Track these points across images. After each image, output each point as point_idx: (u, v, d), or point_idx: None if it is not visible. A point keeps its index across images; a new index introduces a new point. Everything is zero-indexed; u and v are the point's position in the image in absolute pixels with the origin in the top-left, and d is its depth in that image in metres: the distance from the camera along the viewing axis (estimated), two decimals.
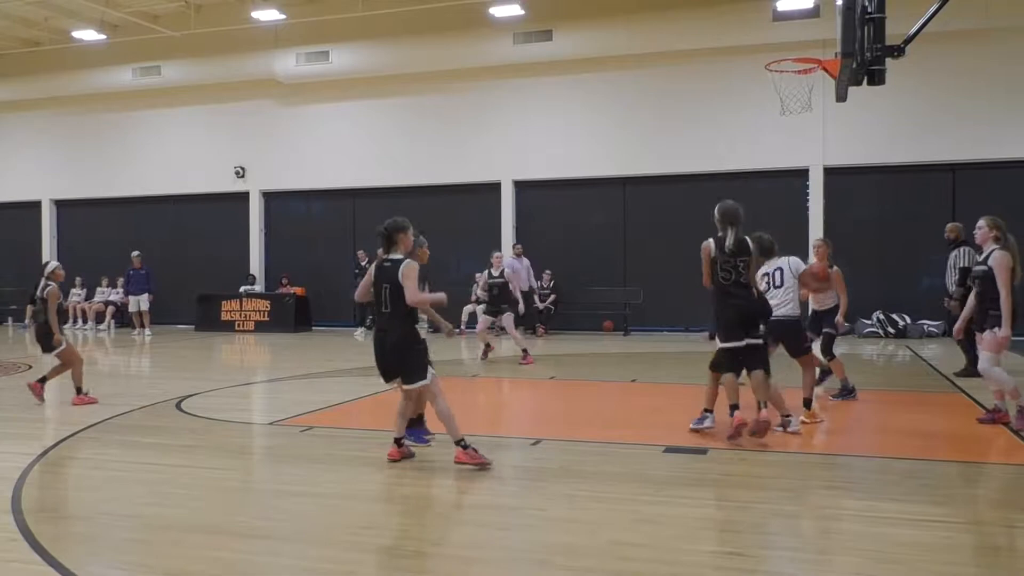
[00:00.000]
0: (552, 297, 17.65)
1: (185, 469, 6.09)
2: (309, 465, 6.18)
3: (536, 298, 17.31)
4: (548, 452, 6.59)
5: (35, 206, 22.47)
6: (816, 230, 15.87)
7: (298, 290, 19.40)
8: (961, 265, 10.27)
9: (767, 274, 7.26)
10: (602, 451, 6.54)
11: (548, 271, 17.85)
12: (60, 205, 22.57)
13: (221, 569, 4.07)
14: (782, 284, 7.26)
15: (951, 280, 10.55)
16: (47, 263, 9.36)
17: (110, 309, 20.33)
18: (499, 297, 12.66)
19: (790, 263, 7.34)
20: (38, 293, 8.98)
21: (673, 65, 17.19)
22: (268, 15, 16.96)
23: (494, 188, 18.56)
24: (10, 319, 22.13)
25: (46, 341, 8.90)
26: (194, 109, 20.79)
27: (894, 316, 15.95)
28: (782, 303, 7.17)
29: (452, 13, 17.61)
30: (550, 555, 4.24)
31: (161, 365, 13.16)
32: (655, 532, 4.53)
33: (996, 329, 6.85)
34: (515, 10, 16.75)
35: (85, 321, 20.63)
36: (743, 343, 6.59)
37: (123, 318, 20.50)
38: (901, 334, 15.68)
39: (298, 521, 4.88)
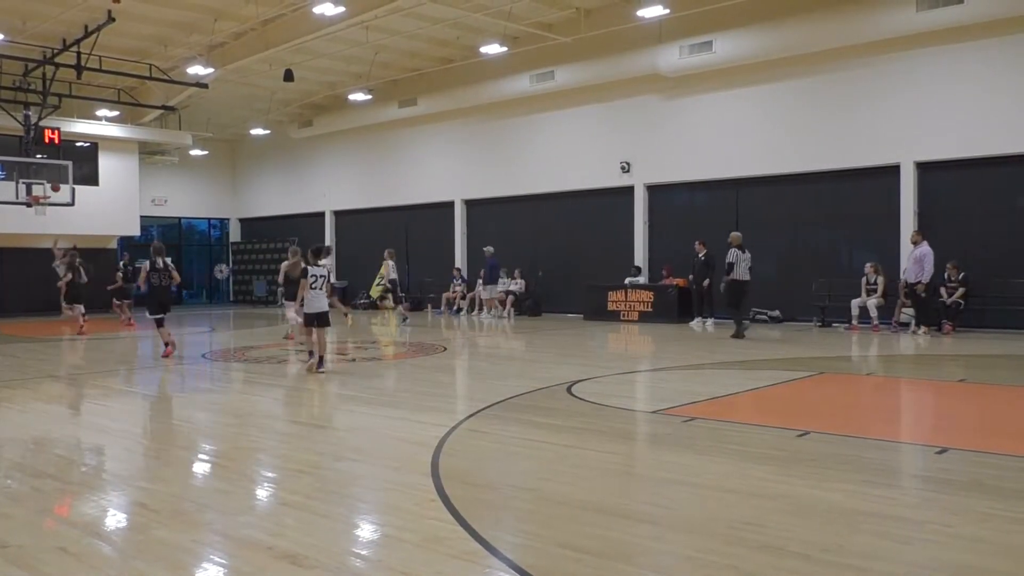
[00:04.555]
0: (961, 291, 15.79)
1: (575, 450, 6.45)
2: (691, 455, 6.21)
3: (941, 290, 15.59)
4: (956, 463, 5.91)
5: (448, 206, 25.36)
6: None
7: (680, 281, 19.55)
8: None
9: None
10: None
11: (949, 262, 15.86)
12: (469, 204, 25.19)
13: (607, 547, 4.24)
14: None
15: None
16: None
17: (510, 298, 22.22)
18: None
19: None
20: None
21: None
22: (652, 11, 17.27)
23: (891, 171, 17.07)
24: (429, 305, 25.23)
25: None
26: (582, 109, 21.95)
27: None
28: None
29: None
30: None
31: (553, 351, 14.07)
32: None
33: None
34: None
35: (482, 309, 22.62)
36: None
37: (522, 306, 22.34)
38: None
39: (679, 509, 4.92)
